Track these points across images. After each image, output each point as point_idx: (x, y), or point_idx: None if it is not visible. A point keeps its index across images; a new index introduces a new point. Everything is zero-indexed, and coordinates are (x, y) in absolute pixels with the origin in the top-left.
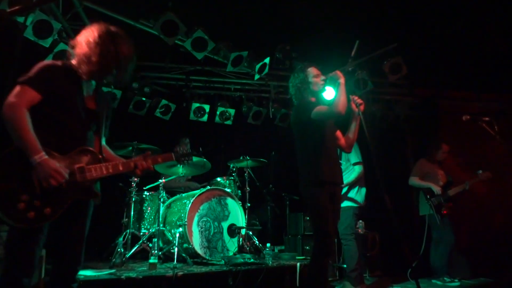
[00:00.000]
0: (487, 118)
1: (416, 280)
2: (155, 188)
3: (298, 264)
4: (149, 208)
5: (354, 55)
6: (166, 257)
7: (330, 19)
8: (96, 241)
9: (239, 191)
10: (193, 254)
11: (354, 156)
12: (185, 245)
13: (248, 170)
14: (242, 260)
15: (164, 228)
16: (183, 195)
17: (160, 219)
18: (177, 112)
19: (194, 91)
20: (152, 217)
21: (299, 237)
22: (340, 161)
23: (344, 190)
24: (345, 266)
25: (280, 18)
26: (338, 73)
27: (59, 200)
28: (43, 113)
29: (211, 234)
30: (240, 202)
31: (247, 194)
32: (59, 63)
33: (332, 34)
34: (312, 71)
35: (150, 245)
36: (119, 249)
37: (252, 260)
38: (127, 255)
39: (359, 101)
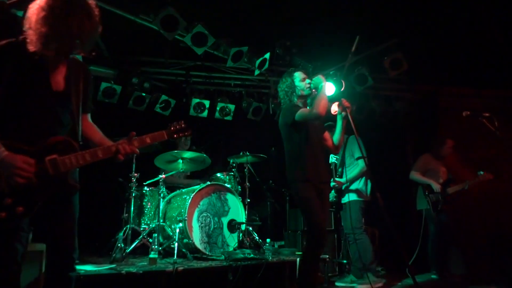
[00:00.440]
0: (487, 114)
1: (413, 276)
2: (155, 184)
3: (298, 259)
4: (149, 204)
5: (354, 50)
6: (166, 252)
7: (330, 14)
8: (97, 236)
9: (239, 187)
10: (193, 249)
11: (357, 150)
12: (185, 240)
13: (248, 165)
14: (242, 256)
15: (164, 224)
16: (183, 190)
17: (160, 214)
18: (177, 107)
19: (194, 86)
20: (152, 212)
21: (299, 232)
22: (337, 159)
23: (353, 185)
24: (345, 261)
25: (280, 13)
26: (321, 76)
27: (32, 197)
28: (4, 104)
29: (211, 229)
30: (240, 197)
31: (247, 189)
32: (5, 45)
33: (332, 30)
34: (298, 75)
35: (150, 240)
36: (119, 244)
37: (252, 255)
38: (128, 250)
39: (347, 104)
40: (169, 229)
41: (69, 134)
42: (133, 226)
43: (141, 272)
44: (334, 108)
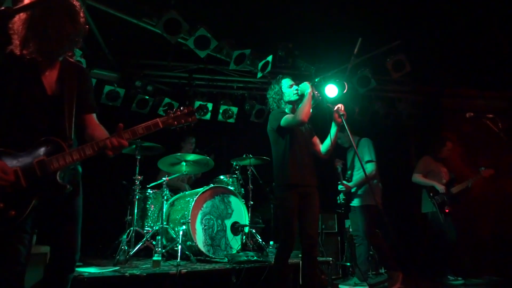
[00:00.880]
0: (491, 115)
1: (417, 279)
2: (159, 186)
3: (301, 262)
4: (152, 206)
5: (357, 52)
6: (170, 255)
7: (332, 16)
8: (100, 239)
9: (242, 189)
10: (197, 252)
11: (367, 154)
12: (188, 243)
13: (251, 168)
14: (245, 258)
15: (167, 226)
16: (187, 193)
17: (164, 216)
18: None
19: (197, 89)
20: (156, 215)
21: None
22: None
23: (361, 189)
24: (348, 264)
25: (282, 16)
26: (307, 83)
27: (22, 200)
28: None
29: (215, 232)
30: (243, 200)
31: (250, 192)
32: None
33: (335, 32)
34: (286, 82)
35: (154, 242)
36: (123, 247)
37: (255, 258)
38: (131, 253)
39: (342, 111)
40: (173, 231)
41: (59, 135)
42: (136, 228)
43: (144, 274)
44: (342, 108)
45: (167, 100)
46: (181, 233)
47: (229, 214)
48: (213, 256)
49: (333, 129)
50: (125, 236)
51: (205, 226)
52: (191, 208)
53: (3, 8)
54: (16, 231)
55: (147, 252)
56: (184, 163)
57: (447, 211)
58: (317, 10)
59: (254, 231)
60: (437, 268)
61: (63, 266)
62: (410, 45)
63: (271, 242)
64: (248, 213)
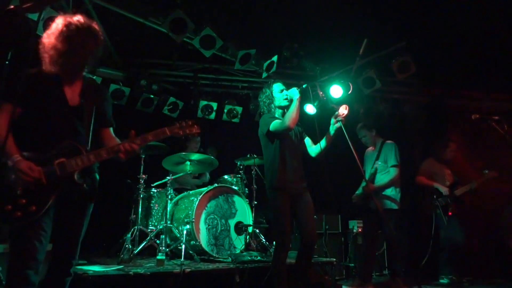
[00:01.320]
0: (496, 117)
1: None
2: (163, 185)
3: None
4: (156, 205)
5: (362, 53)
6: (174, 254)
7: (338, 17)
8: (105, 237)
9: (246, 189)
10: (200, 251)
11: (392, 158)
12: (192, 242)
13: (255, 167)
14: (249, 258)
15: (171, 225)
16: (190, 192)
17: (168, 216)
18: (184, 109)
19: (201, 88)
20: (160, 214)
21: None
22: (380, 165)
23: (385, 192)
24: (352, 265)
25: (288, 16)
26: (296, 89)
27: (42, 197)
28: (23, 117)
29: (218, 231)
30: (247, 200)
31: (254, 192)
32: (30, 70)
33: (340, 32)
34: (277, 86)
35: (158, 241)
36: (127, 245)
37: (259, 258)
38: (135, 251)
39: (340, 116)
40: (176, 230)
41: (78, 140)
42: (140, 227)
43: (148, 273)
44: (342, 111)
45: (172, 99)
46: (185, 232)
47: (233, 214)
48: (217, 256)
49: (329, 133)
50: (129, 235)
51: (209, 225)
52: (195, 207)
53: (11, 7)
54: (34, 227)
55: (151, 251)
56: (188, 163)
57: (450, 214)
58: (323, 11)
59: (257, 231)
60: (441, 270)
61: (60, 267)
62: (416, 46)
63: (274, 242)
64: (252, 213)
